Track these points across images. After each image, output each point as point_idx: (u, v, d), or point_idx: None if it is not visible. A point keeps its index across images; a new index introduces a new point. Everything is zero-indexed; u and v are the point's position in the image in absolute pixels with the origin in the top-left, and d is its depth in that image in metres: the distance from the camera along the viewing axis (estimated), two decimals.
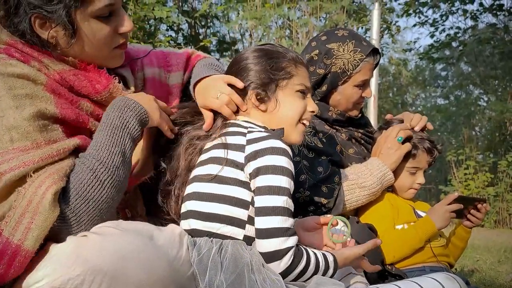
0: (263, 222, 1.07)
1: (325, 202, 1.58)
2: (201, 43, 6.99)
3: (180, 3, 7.90)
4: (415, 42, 14.94)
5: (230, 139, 1.17)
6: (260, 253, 1.07)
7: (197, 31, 8.25)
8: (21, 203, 1.00)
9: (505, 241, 4.36)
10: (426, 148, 1.72)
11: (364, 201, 1.65)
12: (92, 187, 1.06)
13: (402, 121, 1.78)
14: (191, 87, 1.37)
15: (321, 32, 1.81)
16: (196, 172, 1.19)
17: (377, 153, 1.70)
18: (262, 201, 1.08)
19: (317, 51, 1.72)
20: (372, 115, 5.31)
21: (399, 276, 1.57)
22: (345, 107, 1.75)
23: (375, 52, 1.72)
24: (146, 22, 6.42)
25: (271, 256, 1.06)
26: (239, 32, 7.77)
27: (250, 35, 7.01)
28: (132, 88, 1.30)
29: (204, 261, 1.04)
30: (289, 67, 1.23)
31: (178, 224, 1.18)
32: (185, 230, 1.14)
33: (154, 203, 1.29)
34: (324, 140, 1.69)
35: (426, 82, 13.61)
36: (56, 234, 1.01)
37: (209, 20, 8.23)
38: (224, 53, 8.53)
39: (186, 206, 1.17)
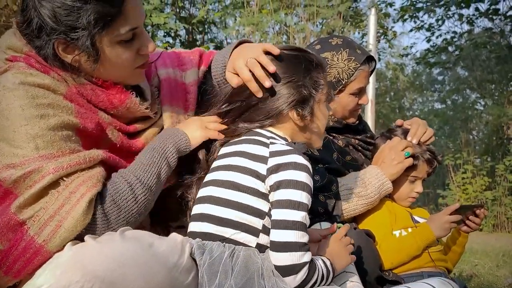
0: (281, 235, 1.07)
1: (322, 211, 1.58)
2: None
3: (178, 10, 7.92)
4: (411, 47, 15.05)
5: (252, 149, 1.16)
6: (276, 266, 1.07)
7: (194, 37, 8.27)
8: (52, 205, 1.04)
9: (504, 245, 4.37)
10: (426, 159, 1.72)
11: (362, 210, 1.65)
12: (127, 199, 1.12)
13: (406, 131, 1.75)
14: (216, 69, 1.37)
15: (315, 41, 1.80)
16: (212, 176, 1.19)
17: (379, 161, 1.69)
18: (282, 214, 1.08)
19: None
20: (369, 120, 5.33)
21: (397, 282, 1.57)
22: (342, 115, 1.75)
23: (369, 59, 1.71)
24: (144, 28, 6.44)
25: (288, 270, 1.06)
26: (236, 38, 7.79)
27: None
28: (149, 101, 1.30)
29: (215, 265, 1.05)
30: (322, 78, 1.23)
31: (185, 233, 1.18)
32: (195, 232, 1.14)
33: (159, 212, 1.30)
34: (321, 148, 1.69)
35: (423, 87, 13.65)
36: (77, 237, 1.04)
37: (206, 26, 8.26)
38: None
39: (199, 208, 1.17)
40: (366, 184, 1.63)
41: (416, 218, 1.76)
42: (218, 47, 8.43)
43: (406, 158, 1.66)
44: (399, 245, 1.64)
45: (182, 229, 1.26)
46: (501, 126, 8.44)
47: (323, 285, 1.12)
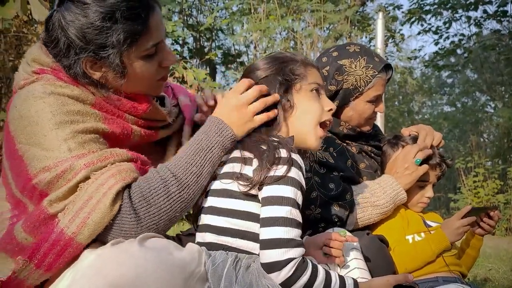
0: (266, 233, 1.06)
1: (336, 220, 1.57)
2: (207, 56, 7.04)
3: (185, 17, 7.98)
4: (419, 50, 14.97)
5: (246, 153, 1.17)
6: (261, 263, 1.06)
7: (202, 44, 8.33)
8: (81, 197, 1.05)
9: None
10: (435, 163, 1.71)
11: (376, 219, 1.64)
12: (159, 195, 1.09)
13: (415, 137, 1.74)
14: None
15: (332, 48, 1.79)
16: (212, 185, 1.20)
17: (393, 171, 1.68)
18: (266, 211, 1.07)
19: (328, 67, 1.71)
20: (378, 124, 5.29)
21: (412, 287, 1.56)
22: (357, 123, 1.74)
23: (387, 67, 1.71)
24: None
25: (271, 267, 1.04)
26: (244, 44, 7.82)
27: (255, 47, 7.05)
28: (168, 108, 1.34)
29: (218, 272, 1.04)
30: (300, 69, 1.23)
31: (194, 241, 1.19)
32: (199, 243, 1.15)
33: None
34: (335, 155, 1.68)
35: (432, 90, 13.59)
36: (108, 230, 1.06)
37: (214, 33, 8.30)
38: (230, 65, 8.58)
39: (203, 219, 1.18)
40: (381, 193, 1.62)
41: (429, 222, 1.75)
42: (226, 53, 8.47)
43: (418, 165, 1.65)
44: (413, 251, 1.63)
45: (191, 237, 1.27)
46: None
47: None
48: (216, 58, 8.02)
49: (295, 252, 1.04)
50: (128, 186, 1.08)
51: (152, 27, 1.15)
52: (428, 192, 1.74)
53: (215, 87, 5.31)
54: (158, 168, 1.14)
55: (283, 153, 1.10)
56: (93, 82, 1.17)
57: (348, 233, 1.32)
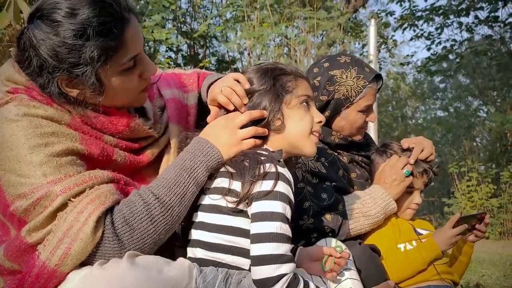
0: (256, 249, 1.05)
1: (328, 230, 1.58)
2: (201, 63, 7.06)
3: (179, 25, 8.00)
4: (412, 55, 15.05)
5: (230, 168, 1.16)
6: (253, 280, 1.05)
7: (196, 51, 8.34)
8: (61, 227, 1.02)
9: (511, 253, 4.33)
10: (422, 170, 1.73)
11: (368, 229, 1.66)
12: (141, 219, 1.06)
13: (401, 147, 1.75)
14: (203, 94, 1.38)
15: (323, 58, 1.81)
16: (202, 200, 1.19)
17: (381, 181, 1.70)
18: (255, 227, 1.06)
19: (320, 77, 1.73)
20: (372, 130, 5.33)
21: None
22: (349, 132, 1.75)
23: (377, 77, 1.73)
24: (146, 44, 6.50)
25: (263, 283, 1.03)
26: (237, 51, 7.84)
27: (249, 54, 7.08)
28: (151, 120, 1.30)
29: None
30: (291, 82, 1.23)
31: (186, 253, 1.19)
32: (190, 258, 1.14)
33: None
34: (327, 165, 1.69)
35: (425, 95, 13.68)
36: (91, 258, 1.03)
37: (207, 40, 8.32)
38: (224, 72, 8.58)
39: (193, 234, 1.17)
40: (372, 204, 1.64)
41: (419, 230, 1.77)
42: (220, 60, 8.49)
43: (406, 176, 1.67)
44: (405, 260, 1.64)
45: (183, 249, 1.25)
46: (505, 133, 8.44)
47: None
48: (210, 64, 8.04)
49: (287, 268, 1.04)
50: (109, 210, 1.05)
51: (127, 40, 1.10)
52: (416, 198, 1.76)
53: None
54: (140, 190, 1.11)
55: (269, 167, 1.09)
56: (69, 100, 1.13)
57: (343, 247, 1.33)
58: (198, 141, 1.18)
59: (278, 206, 1.06)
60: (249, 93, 1.23)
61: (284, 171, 1.11)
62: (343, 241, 1.48)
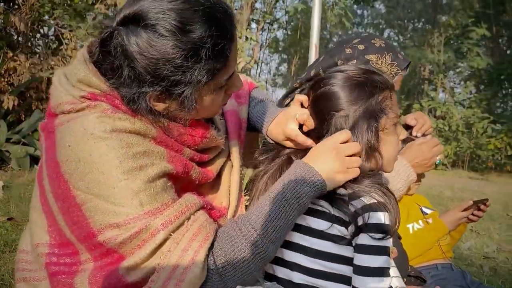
0: (360, 282, 1.05)
1: None
2: None
3: None
4: None
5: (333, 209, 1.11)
6: None
7: None
8: (165, 267, 0.93)
9: None
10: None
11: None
12: (244, 257, 0.99)
13: (410, 127, 1.83)
14: (264, 129, 1.29)
15: (354, 38, 1.73)
16: (299, 220, 1.12)
17: (411, 158, 1.70)
18: (362, 259, 1.06)
19: (355, 61, 1.66)
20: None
21: (417, 277, 1.70)
22: None
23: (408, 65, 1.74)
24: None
25: None
26: None
27: None
28: (221, 131, 1.22)
29: None
30: (386, 100, 1.13)
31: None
32: (282, 279, 1.12)
33: None
34: None
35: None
36: None
37: None
38: None
39: (288, 255, 1.13)
40: (396, 177, 1.69)
41: (424, 209, 1.89)
42: None
43: (436, 165, 1.74)
44: (415, 240, 1.76)
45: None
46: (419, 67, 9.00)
47: None
48: None
49: None
50: (212, 249, 0.98)
51: (231, 61, 1.01)
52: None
53: None
54: (238, 221, 1.02)
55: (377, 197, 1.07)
56: (153, 112, 1.02)
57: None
58: (302, 166, 1.08)
59: (386, 240, 1.06)
60: (341, 119, 1.12)
61: (386, 199, 1.09)
62: None
